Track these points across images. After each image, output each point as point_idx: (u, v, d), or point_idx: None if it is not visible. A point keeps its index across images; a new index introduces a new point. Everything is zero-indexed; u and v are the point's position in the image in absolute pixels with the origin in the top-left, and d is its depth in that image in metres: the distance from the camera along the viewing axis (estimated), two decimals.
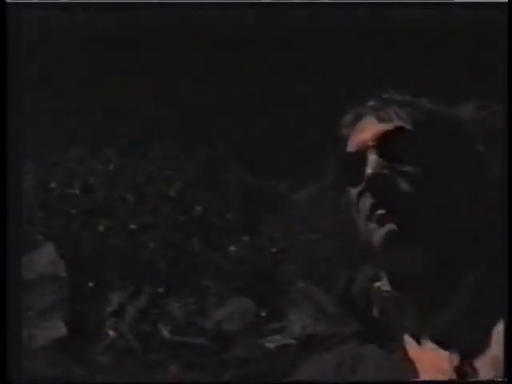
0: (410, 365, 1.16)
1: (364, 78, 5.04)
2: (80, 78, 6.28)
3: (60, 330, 4.49)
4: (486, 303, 1.15)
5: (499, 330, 1.12)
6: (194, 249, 5.28)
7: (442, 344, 1.15)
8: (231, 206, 5.67)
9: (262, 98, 6.06)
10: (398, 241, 1.16)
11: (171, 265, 5.18)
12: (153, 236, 5.32)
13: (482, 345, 1.12)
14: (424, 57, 5.57)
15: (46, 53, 5.84)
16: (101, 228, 5.31)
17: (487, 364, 1.11)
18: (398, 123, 1.21)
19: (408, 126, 1.20)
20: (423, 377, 1.15)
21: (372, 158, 1.19)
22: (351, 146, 1.25)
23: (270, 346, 4.30)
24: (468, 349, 1.13)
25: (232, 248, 5.26)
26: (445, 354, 1.15)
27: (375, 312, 1.23)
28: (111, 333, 4.58)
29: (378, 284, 1.24)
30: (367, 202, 1.19)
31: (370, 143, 1.20)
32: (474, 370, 1.12)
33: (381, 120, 1.22)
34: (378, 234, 1.17)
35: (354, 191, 1.22)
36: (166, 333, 4.61)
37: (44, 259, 4.88)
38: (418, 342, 1.18)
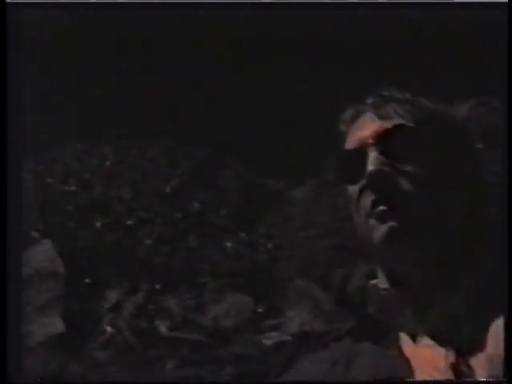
0: (406, 362, 1.16)
1: (363, 78, 5.05)
2: (80, 78, 6.28)
3: (57, 326, 4.49)
4: (482, 301, 1.15)
5: (495, 328, 1.12)
6: (191, 245, 5.29)
7: (439, 341, 1.15)
8: (228, 203, 5.67)
9: (261, 98, 6.06)
10: (398, 238, 1.16)
11: (168, 261, 5.19)
12: (149, 232, 5.32)
13: (478, 343, 1.12)
14: (424, 56, 5.57)
15: (45, 53, 5.85)
16: (98, 224, 5.31)
17: (483, 362, 1.11)
18: (398, 121, 1.21)
19: (407, 124, 1.20)
20: (418, 374, 1.14)
21: (373, 155, 1.18)
22: (350, 143, 1.25)
23: (268, 342, 4.31)
24: (464, 347, 1.13)
25: (229, 244, 5.26)
26: (440, 351, 1.15)
27: (371, 309, 1.23)
28: (108, 329, 4.59)
29: (374, 281, 1.24)
30: (368, 198, 1.19)
31: (370, 141, 1.20)
32: (470, 368, 1.11)
33: (380, 117, 1.22)
34: (379, 231, 1.17)
35: (353, 188, 1.22)
36: (163, 329, 4.61)
37: (41, 256, 4.88)
38: (414, 340, 1.18)
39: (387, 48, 5.66)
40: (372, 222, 1.18)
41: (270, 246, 5.30)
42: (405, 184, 1.17)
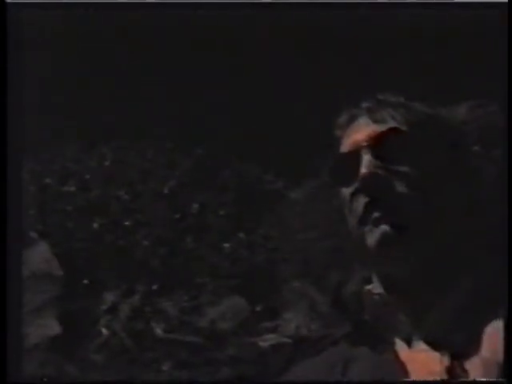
0: (401, 366, 1.15)
1: (363, 78, 5.05)
2: (80, 78, 6.29)
3: (53, 328, 4.50)
4: (477, 305, 1.15)
5: (490, 332, 1.12)
6: (189, 246, 5.29)
7: (433, 345, 1.15)
8: (227, 204, 5.68)
9: (260, 98, 6.07)
10: (391, 242, 1.15)
11: (165, 262, 5.19)
12: (147, 233, 5.33)
13: (473, 347, 1.12)
14: (424, 57, 5.58)
15: (46, 53, 5.86)
16: (95, 225, 5.32)
17: (478, 366, 1.11)
18: (392, 124, 1.21)
19: (402, 128, 1.20)
20: (414, 378, 1.14)
21: (366, 158, 1.18)
22: (345, 146, 1.25)
23: (264, 344, 4.32)
24: (459, 350, 1.13)
25: (227, 245, 5.27)
26: (435, 355, 1.14)
27: (366, 314, 1.23)
28: (104, 331, 4.59)
29: (368, 287, 1.24)
30: (361, 201, 1.18)
31: (364, 144, 1.20)
32: (465, 372, 1.11)
33: (375, 121, 1.22)
34: (372, 235, 1.17)
35: (346, 191, 1.22)
36: (159, 331, 4.61)
37: (37, 257, 4.88)
38: (409, 345, 1.18)
39: (387, 48, 5.67)
40: (365, 225, 1.18)
41: (268, 247, 5.30)
42: (398, 187, 1.17)
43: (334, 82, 5.33)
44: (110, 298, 4.85)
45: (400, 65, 5.33)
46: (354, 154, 1.20)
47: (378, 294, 1.21)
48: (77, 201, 5.54)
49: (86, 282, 4.93)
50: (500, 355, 1.10)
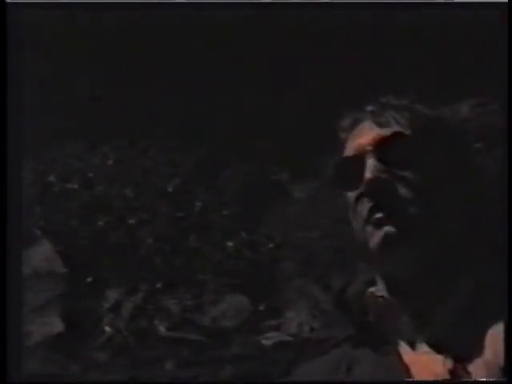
0: (405, 369, 1.16)
1: (363, 78, 5.04)
2: (79, 78, 6.28)
3: (56, 326, 4.49)
4: (479, 307, 1.15)
5: (493, 334, 1.13)
6: (192, 245, 5.28)
7: (437, 347, 1.15)
8: (230, 203, 5.67)
9: (260, 98, 6.06)
10: (395, 244, 1.16)
11: (168, 261, 5.18)
12: (151, 231, 5.31)
13: (476, 349, 1.12)
14: (424, 57, 5.57)
15: (46, 53, 5.85)
16: (100, 223, 5.31)
17: (480, 368, 1.11)
18: (396, 128, 1.21)
19: (406, 132, 1.21)
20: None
21: (370, 162, 1.18)
22: (349, 150, 1.25)
23: (267, 342, 4.31)
24: (462, 352, 1.13)
25: (230, 244, 5.26)
26: (439, 357, 1.14)
27: (370, 316, 1.23)
28: (108, 329, 4.58)
29: (372, 289, 1.24)
30: (365, 205, 1.19)
31: (368, 148, 1.20)
32: (468, 374, 1.11)
33: (379, 125, 1.22)
34: (375, 237, 1.17)
35: (351, 195, 1.22)
36: (162, 329, 4.60)
37: (39, 255, 4.88)
38: (413, 348, 1.18)
39: (387, 48, 5.66)
40: (369, 228, 1.18)
41: (271, 245, 5.29)
42: (402, 191, 1.17)
43: (334, 81, 5.33)
44: (113, 296, 4.84)
45: (400, 65, 5.33)
46: (358, 158, 1.20)
47: (382, 296, 1.22)
48: (80, 199, 5.53)
49: (89, 280, 4.92)
50: (502, 357, 1.10)
